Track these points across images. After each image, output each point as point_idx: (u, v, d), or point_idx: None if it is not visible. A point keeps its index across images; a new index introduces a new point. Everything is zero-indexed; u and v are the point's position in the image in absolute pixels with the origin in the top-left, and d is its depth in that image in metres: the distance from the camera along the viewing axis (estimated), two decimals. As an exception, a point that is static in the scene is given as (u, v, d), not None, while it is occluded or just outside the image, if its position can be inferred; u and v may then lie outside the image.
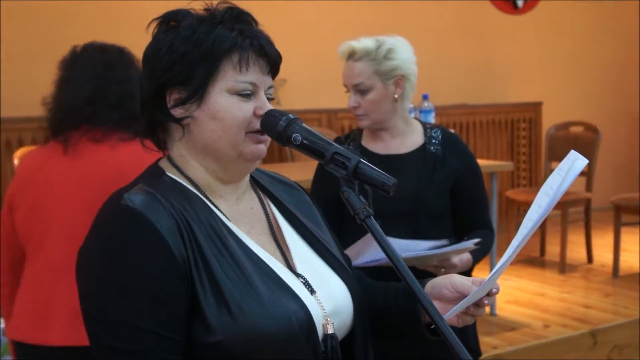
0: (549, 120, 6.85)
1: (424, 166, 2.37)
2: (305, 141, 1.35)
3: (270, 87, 1.41)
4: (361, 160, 1.31)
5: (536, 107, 7.24)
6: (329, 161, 1.32)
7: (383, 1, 6.46)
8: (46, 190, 2.22)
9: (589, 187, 5.86)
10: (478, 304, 1.45)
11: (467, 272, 2.39)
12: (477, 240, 2.20)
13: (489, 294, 1.44)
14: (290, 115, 1.37)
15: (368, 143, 2.45)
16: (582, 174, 5.74)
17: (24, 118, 4.63)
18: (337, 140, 2.54)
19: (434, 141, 2.40)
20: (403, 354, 2.24)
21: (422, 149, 2.40)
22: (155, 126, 1.41)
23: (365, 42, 2.35)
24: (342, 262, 1.50)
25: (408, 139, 2.42)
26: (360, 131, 2.49)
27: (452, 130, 2.81)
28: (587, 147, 5.69)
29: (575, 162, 1.35)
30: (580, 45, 7.72)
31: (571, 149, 1.41)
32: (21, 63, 4.97)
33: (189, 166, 1.40)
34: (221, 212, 1.39)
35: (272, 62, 1.41)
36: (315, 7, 6.15)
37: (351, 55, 2.35)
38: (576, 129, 6.17)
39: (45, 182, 2.23)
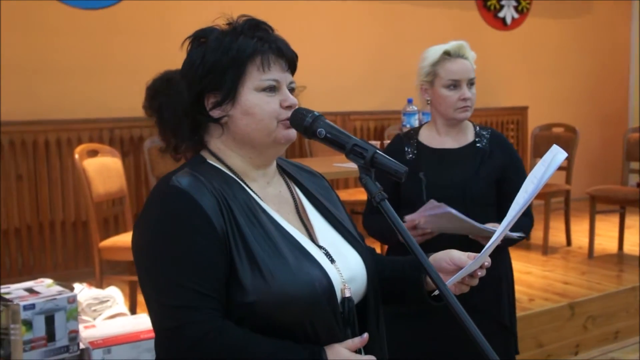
0: (534, 122, 6.82)
1: (472, 160, 2.32)
2: (328, 135, 1.34)
3: (291, 82, 1.41)
4: (377, 150, 1.30)
5: (523, 110, 7.20)
6: (349, 152, 1.31)
7: (388, 18, 6.46)
8: None
9: (568, 180, 5.82)
10: (472, 275, 1.45)
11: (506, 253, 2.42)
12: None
13: (482, 267, 1.44)
14: (315, 112, 1.36)
15: (424, 139, 2.40)
16: (562, 168, 5.72)
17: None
18: (398, 135, 2.48)
19: (483, 139, 2.36)
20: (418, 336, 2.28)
21: (472, 145, 2.35)
22: (197, 127, 1.42)
23: (461, 43, 2.32)
24: (357, 237, 1.50)
25: (460, 136, 2.37)
26: (418, 129, 2.45)
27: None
28: (567, 145, 5.63)
29: (556, 155, 1.36)
30: (561, 58, 7.69)
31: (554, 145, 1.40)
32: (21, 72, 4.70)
33: (226, 156, 1.41)
34: (254, 193, 1.39)
35: (289, 60, 1.41)
36: (331, 27, 6.15)
37: (461, 53, 2.30)
38: (557, 130, 6.11)
39: None
